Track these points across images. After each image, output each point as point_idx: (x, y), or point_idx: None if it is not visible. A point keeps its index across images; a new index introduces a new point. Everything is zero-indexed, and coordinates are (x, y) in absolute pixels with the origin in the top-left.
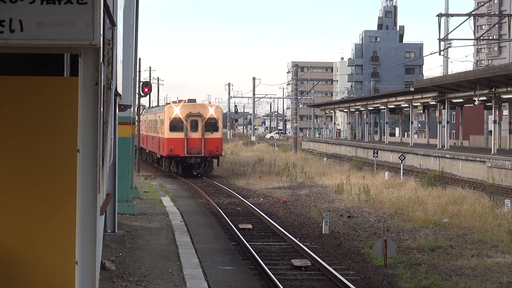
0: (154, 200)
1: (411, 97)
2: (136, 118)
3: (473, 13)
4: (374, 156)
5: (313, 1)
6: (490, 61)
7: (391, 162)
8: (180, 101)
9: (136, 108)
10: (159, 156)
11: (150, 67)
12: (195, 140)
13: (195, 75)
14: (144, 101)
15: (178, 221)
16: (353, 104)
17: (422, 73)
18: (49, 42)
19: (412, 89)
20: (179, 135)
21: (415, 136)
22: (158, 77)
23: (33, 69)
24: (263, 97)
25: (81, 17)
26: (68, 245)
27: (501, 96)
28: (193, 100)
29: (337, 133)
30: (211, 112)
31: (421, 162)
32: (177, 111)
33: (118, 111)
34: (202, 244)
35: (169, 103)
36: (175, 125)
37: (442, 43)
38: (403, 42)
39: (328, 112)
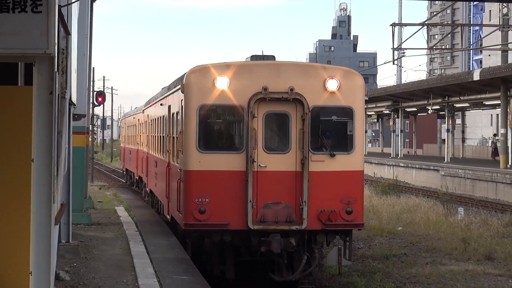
0: (108, 210)
1: (365, 106)
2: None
3: (426, 22)
4: None
5: (267, 10)
6: (443, 70)
7: None
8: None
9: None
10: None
11: (104, 76)
12: (279, 176)
13: (149, 85)
14: (98, 110)
15: (133, 230)
16: None
17: (376, 82)
18: (3, 51)
19: (366, 98)
20: (227, 161)
21: (369, 145)
22: (112, 87)
23: None
24: None
25: (36, 26)
26: (23, 256)
27: (454, 105)
28: (270, 57)
29: None
30: (331, 88)
31: (375, 171)
32: (224, 85)
33: (72, 120)
34: (157, 253)
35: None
36: (216, 128)
37: (395, 52)
38: (357, 51)
39: None
